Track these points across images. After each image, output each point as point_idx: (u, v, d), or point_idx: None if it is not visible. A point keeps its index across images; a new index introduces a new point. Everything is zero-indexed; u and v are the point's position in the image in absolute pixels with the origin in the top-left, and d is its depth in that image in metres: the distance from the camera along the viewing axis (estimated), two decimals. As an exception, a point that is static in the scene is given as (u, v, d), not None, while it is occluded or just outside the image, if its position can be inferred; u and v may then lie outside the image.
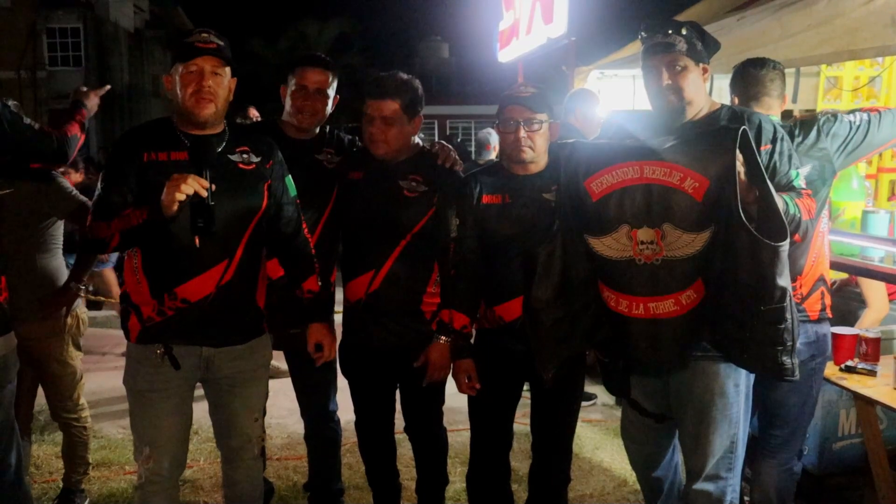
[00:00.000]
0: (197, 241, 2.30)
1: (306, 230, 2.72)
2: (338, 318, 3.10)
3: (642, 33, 2.44)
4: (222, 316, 2.46)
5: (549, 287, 2.40)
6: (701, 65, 2.41)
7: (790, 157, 2.40)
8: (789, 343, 2.18)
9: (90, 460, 3.55)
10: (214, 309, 2.43)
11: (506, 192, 2.68)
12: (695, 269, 2.20)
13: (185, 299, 2.41)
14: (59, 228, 3.26)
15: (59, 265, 3.26)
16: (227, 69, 2.42)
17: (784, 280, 2.14)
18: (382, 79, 2.79)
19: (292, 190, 2.64)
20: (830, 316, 2.77)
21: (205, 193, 2.24)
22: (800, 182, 2.40)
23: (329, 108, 3.01)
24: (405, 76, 2.82)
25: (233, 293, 2.46)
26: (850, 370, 2.96)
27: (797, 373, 2.22)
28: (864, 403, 2.94)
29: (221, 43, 2.40)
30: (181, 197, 2.20)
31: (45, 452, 4.04)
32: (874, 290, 3.69)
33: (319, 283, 2.73)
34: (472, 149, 21.11)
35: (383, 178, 2.84)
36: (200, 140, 2.36)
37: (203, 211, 2.25)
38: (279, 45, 27.19)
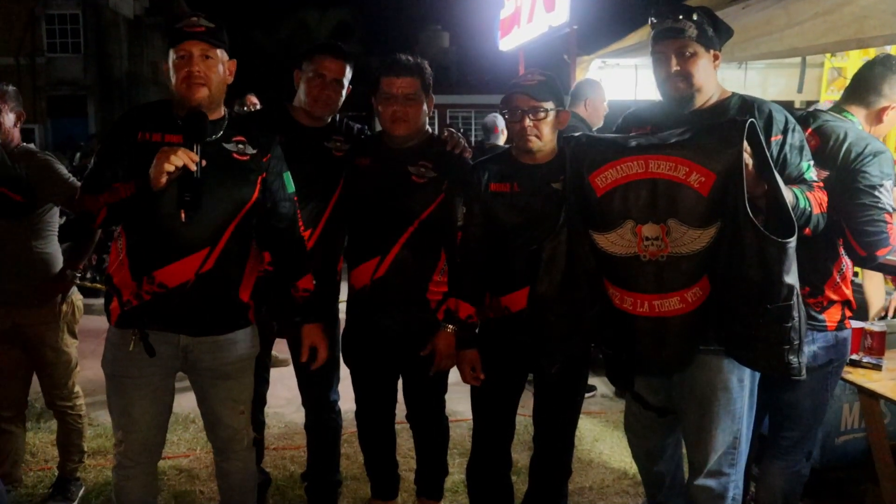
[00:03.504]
0: (183, 215, 2.27)
1: (302, 228, 2.68)
2: (342, 308, 3.07)
3: (652, 18, 2.39)
4: (200, 305, 2.42)
5: (553, 282, 2.37)
6: (712, 51, 2.36)
7: (801, 149, 2.35)
8: (796, 342, 2.13)
9: (85, 448, 3.52)
10: (192, 297, 2.40)
11: (514, 181, 2.65)
12: (701, 265, 2.16)
13: (163, 283, 2.38)
14: (55, 215, 3.22)
15: (55, 252, 3.22)
16: (219, 52, 2.38)
17: (791, 277, 2.10)
18: (400, 57, 2.78)
19: (290, 186, 2.60)
20: (848, 327, 2.70)
21: (193, 167, 2.22)
22: (811, 174, 2.35)
23: (343, 98, 2.98)
24: (416, 56, 2.83)
25: (213, 283, 2.42)
26: (855, 364, 2.93)
27: (804, 372, 2.17)
28: (868, 397, 2.91)
29: (212, 25, 2.37)
30: (170, 168, 2.19)
31: (41, 440, 4.02)
32: (874, 286, 3.61)
33: (314, 283, 2.67)
34: (474, 137, 21.05)
35: (392, 163, 2.82)
36: (193, 114, 2.33)
37: (190, 184, 2.23)
38: (279, 33, 27.09)
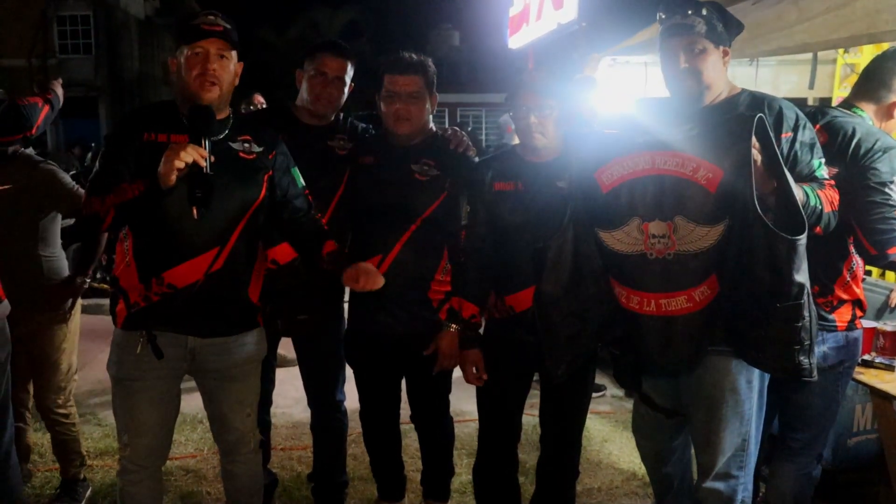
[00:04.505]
0: (195, 212, 2.25)
1: (319, 215, 2.67)
2: (346, 308, 3.06)
3: (660, 14, 2.35)
4: (209, 306, 2.40)
5: (559, 282, 2.34)
6: (721, 47, 2.33)
7: (812, 146, 2.30)
8: (807, 342, 2.09)
9: (88, 450, 3.53)
10: (201, 298, 2.38)
11: (518, 180, 2.63)
12: (709, 263, 2.12)
13: (172, 284, 2.35)
14: (57, 222, 3.23)
15: (59, 257, 3.24)
16: (234, 53, 2.37)
17: (801, 276, 2.05)
18: (403, 55, 2.77)
19: (300, 182, 2.58)
20: (859, 327, 2.66)
21: (203, 163, 2.19)
22: (822, 172, 2.31)
23: (345, 96, 2.97)
24: (420, 55, 2.81)
25: (221, 283, 2.40)
26: (867, 364, 2.89)
27: (815, 373, 2.13)
28: (880, 398, 2.86)
29: (228, 26, 2.35)
30: (180, 165, 2.16)
31: (49, 441, 4.00)
32: None
33: (338, 244, 2.66)
34: (484, 135, 21.00)
35: (395, 161, 2.81)
36: (200, 109, 2.30)
37: (201, 181, 2.20)
38: (289, 32, 27.15)
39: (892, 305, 3.69)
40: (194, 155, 2.17)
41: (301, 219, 2.59)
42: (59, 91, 3.33)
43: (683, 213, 2.10)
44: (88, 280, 3.27)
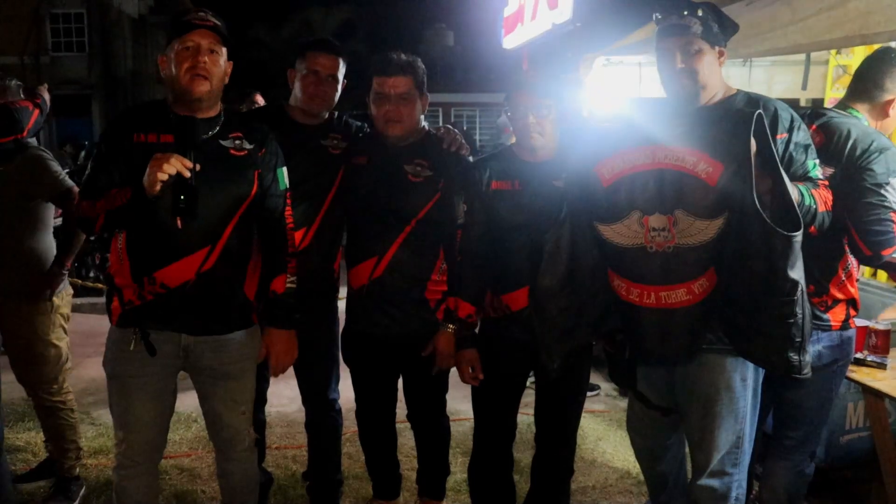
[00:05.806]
0: (179, 222, 2.26)
1: (291, 226, 2.59)
2: (341, 306, 3.06)
3: (656, 15, 2.37)
4: (202, 304, 2.40)
5: (555, 276, 2.35)
6: (717, 48, 2.34)
7: (807, 147, 2.32)
8: (798, 339, 2.11)
9: (83, 445, 3.51)
10: (194, 296, 2.38)
11: (515, 179, 2.64)
12: (708, 256, 2.14)
13: (164, 284, 2.36)
14: (49, 209, 3.23)
15: (47, 247, 3.24)
16: (224, 49, 2.37)
17: (796, 273, 2.07)
18: (392, 56, 2.75)
19: (282, 183, 2.56)
20: (853, 326, 2.68)
21: (187, 174, 2.21)
22: (817, 172, 2.33)
23: (338, 94, 2.96)
24: (409, 55, 2.79)
25: (214, 281, 2.40)
26: (859, 363, 2.91)
27: (806, 370, 2.15)
28: (872, 396, 2.89)
29: (219, 23, 2.36)
30: (163, 177, 2.17)
31: (42, 439, 4.00)
32: None
33: (288, 286, 2.55)
34: (478, 136, 20.99)
35: (388, 162, 2.80)
36: (185, 120, 2.32)
37: (185, 191, 2.22)
38: (284, 31, 27.11)
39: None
40: (178, 166, 2.19)
41: (272, 224, 2.53)
42: (47, 96, 3.36)
43: (683, 207, 2.12)
44: (66, 272, 3.28)
